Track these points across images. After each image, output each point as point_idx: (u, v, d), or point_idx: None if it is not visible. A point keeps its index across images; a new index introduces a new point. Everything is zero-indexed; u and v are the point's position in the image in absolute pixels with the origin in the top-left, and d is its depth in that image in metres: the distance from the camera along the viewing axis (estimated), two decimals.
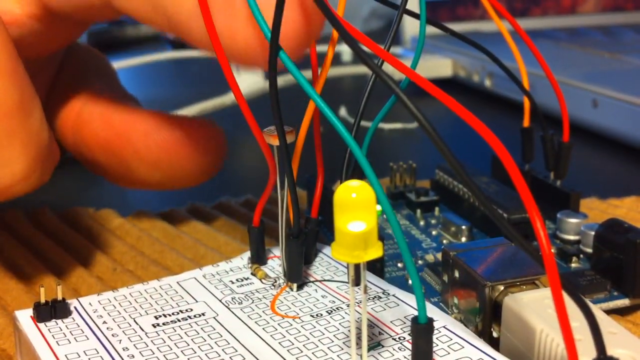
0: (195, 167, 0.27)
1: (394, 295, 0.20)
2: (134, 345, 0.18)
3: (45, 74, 0.29)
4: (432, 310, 0.19)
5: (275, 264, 0.22)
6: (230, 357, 0.18)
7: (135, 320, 0.19)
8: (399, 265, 0.25)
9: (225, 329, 0.19)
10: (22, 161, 0.21)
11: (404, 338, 0.18)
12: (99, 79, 0.31)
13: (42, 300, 0.19)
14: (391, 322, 0.19)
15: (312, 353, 0.18)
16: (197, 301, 0.20)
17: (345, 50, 0.67)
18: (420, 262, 0.25)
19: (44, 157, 0.22)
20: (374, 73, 0.16)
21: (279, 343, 0.18)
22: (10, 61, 0.21)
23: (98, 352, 0.18)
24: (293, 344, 0.18)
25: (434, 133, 0.15)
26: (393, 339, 0.18)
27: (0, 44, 0.21)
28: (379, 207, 0.15)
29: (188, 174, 0.27)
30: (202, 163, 0.27)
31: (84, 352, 0.18)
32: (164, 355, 0.18)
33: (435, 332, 0.18)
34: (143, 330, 0.19)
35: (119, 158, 0.27)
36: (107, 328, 0.19)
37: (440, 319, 0.19)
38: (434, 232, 0.27)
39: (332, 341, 0.18)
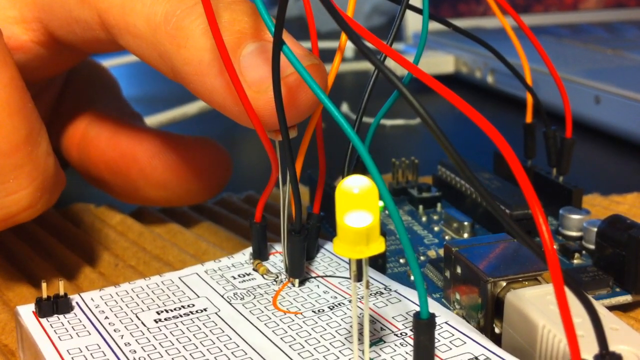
0: (200, 186, 0.28)
1: (395, 291, 0.20)
2: (136, 340, 0.18)
3: (48, 94, 0.29)
4: (434, 306, 0.19)
5: (277, 259, 0.22)
6: (232, 353, 0.18)
7: (137, 316, 0.19)
8: (401, 261, 0.25)
9: (227, 325, 0.19)
10: (28, 190, 0.21)
11: (406, 334, 0.18)
12: (103, 96, 0.31)
13: (44, 296, 0.19)
14: (393, 317, 0.19)
15: (314, 349, 0.18)
16: (199, 297, 0.20)
17: (347, 46, 0.66)
18: (422, 258, 0.25)
19: (49, 185, 0.22)
20: (377, 68, 0.16)
21: (281, 339, 0.18)
22: (19, 98, 0.21)
23: (100, 348, 0.18)
24: (295, 340, 0.18)
25: (437, 129, 0.15)
26: (395, 334, 0.18)
27: (9, 81, 0.20)
28: (381, 203, 0.15)
29: (193, 193, 0.28)
30: (207, 182, 0.28)
31: (86, 347, 0.18)
32: (165, 351, 0.18)
33: (437, 328, 0.18)
34: (145, 325, 0.19)
35: (124, 177, 0.27)
36: (109, 323, 0.19)
37: (442, 314, 0.19)
38: (436, 228, 0.27)
39: (334, 337, 0.18)
